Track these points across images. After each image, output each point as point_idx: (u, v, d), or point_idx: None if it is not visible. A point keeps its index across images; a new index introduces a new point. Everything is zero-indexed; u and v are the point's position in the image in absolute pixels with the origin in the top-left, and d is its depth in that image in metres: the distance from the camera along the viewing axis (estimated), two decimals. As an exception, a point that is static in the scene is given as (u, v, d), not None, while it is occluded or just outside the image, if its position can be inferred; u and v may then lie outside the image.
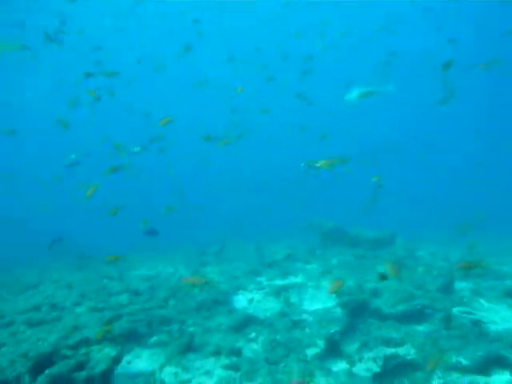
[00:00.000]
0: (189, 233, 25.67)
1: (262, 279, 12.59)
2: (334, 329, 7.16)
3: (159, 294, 9.96)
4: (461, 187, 40.92)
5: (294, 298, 10.18)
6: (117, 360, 5.77)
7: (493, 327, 7.90)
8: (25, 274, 14.74)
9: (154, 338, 7.14)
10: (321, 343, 6.86)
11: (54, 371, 5.03)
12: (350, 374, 6.01)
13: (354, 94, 13.93)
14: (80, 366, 5.29)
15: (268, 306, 9.60)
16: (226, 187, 41.16)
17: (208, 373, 6.21)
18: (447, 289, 10.03)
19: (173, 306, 9.02)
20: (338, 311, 7.92)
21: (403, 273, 11.25)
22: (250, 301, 10.01)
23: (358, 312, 8.02)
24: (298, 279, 12.44)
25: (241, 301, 10.08)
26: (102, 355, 5.76)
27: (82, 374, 5.08)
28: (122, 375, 5.91)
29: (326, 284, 11.67)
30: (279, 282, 11.95)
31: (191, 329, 7.80)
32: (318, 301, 10.22)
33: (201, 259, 15.76)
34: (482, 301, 9.59)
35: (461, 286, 10.88)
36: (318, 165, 6.54)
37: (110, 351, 5.99)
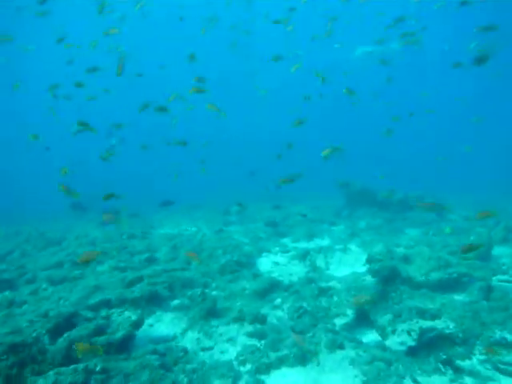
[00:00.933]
0: (212, 193, 25.53)
1: (287, 241, 12.24)
2: (364, 297, 6.74)
3: (182, 254, 9.73)
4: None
5: (320, 262, 9.80)
6: (138, 324, 5.55)
7: (536, 299, 7.36)
8: (51, 229, 14.84)
9: (176, 302, 6.90)
10: (350, 313, 6.48)
11: (74, 335, 4.81)
12: (382, 346, 5.63)
13: (359, 51, 13.14)
14: (100, 331, 5.07)
15: (293, 270, 9.25)
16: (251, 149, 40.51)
17: (231, 340, 5.94)
18: (485, 256, 9.43)
19: (195, 268, 8.77)
20: (368, 278, 7.48)
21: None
22: (275, 264, 9.70)
23: (389, 280, 7.55)
24: (325, 242, 12.03)
25: (265, 264, 9.76)
26: (122, 319, 5.54)
27: (102, 339, 4.85)
28: (143, 338, 5.70)
29: (354, 247, 11.24)
30: (304, 245, 11.58)
31: (214, 292, 7.53)
32: (346, 265, 9.82)
33: (224, 218, 15.48)
34: (523, 269, 9.00)
35: (499, 251, 10.26)
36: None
37: (130, 314, 5.78)
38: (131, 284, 7.17)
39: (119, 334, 5.00)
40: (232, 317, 6.50)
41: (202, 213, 18.28)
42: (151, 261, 9.23)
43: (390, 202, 15.40)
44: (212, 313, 6.54)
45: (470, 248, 8.53)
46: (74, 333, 4.80)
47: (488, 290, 7.29)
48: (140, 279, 7.36)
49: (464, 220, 14.43)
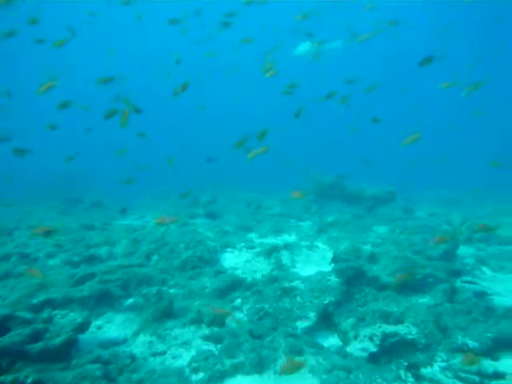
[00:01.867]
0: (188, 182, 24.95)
1: (253, 236, 11.93)
2: (327, 299, 6.51)
3: (142, 249, 9.27)
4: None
5: (285, 259, 9.53)
6: (83, 327, 5.12)
7: (499, 301, 7.30)
8: (6, 216, 14.01)
9: (130, 301, 6.47)
10: (313, 315, 6.22)
11: (5, 342, 4.34)
12: (343, 352, 5.40)
13: (302, 48, 13.16)
14: (37, 336, 4.61)
15: (258, 267, 8.96)
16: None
17: (186, 344, 5.58)
18: (450, 256, 9.40)
19: (155, 264, 8.35)
20: (333, 278, 7.25)
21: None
22: (240, 260, 9.38)
23: (354, 280, 7.36)
24: (292, 238, 11.79)
25: (229, 260, 9.42)
26: (65, 321, 5.09)
27: (37, 346, 4.39)
28: (89, 343, 5.27)
29: (321, 244, 11.05)
30: (271, 240, 11.30)
31: (173, 290, 7.15)
32: (312, 263, 9.60)
33: (191, 210, 15.03)
34: (486, 269, 9.00)
35: (464, 251, 10.27)
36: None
37: (76, 316, 5.33)
38: (81, 281, 6.67)
39: (59, 340, 4.55)
40: (189, 318, 6.14)
41: (170, 203, 17.76)
42: (108, 255, 8.72)
43: (360, 198, 15.32)
44: (168, 313, 6.15)
45: (442, 239, 8.50)
46: (5, 339, 4.32)
47: (452, 292, 7.19)
48: (92, 276, 6.87)
49: (430, 217, 14.53)
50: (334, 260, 8.07)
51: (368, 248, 10.41)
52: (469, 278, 8.48)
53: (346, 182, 15.77)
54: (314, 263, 9.60)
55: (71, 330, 4.77)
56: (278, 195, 19.91)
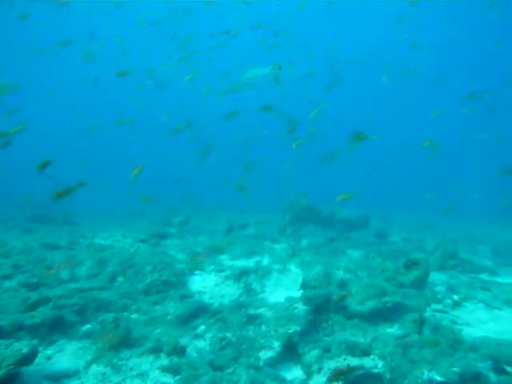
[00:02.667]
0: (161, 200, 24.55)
1: (225, 258, 11.68)
2: (293, 328, 6.31)
3: (107, 270, 8.92)
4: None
5: (255, 284, 9.32)
6: (28, 359, 4.76)
7: (468, 332, 7.23)
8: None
9: (86, 328, 6.13)
10: (277, 345, 6.00)
11: None
12: (306, 387, 5.19)
13: (250, 73, 13.53)
14: (-25, 369, 4.25)
15: (226, 292, 8.71)
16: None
17: (142, 375, 5.27)
18: (421, 283, 9.34)
19: (118, 287, 8.02)
20: (300, 307, 7.06)
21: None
22: (208, 284, 9.11)
23: (322, 308, 7.19)
24: (264, 261, 11.58)
25: (197, 283, 9.14)
26: (9, 352, 4.73)
27: (-26, 382, 4.05)
28: (35, 375, 4.92)
29: (293, 268, 10.88)
30: (242, 263, 11.07)
31: (134, 316, 6.83)
32: (283, 288, 9.40)
33: (162, 230, 14.70)
34: (457, 297, 8.93)
35: (436, 278, 10.24)
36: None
37: (22, 346, 4.97)
38: (34, 306, 6.30)
39: (-3, 374, 4.21)
40: (148, 347, 5.84)
41: (144, 222, 17.37)
42: (70, 277, 8.34)
43: (334, 221, 15.28)
44: (125, 342, 5.84)
45: (412, 264, 8.46)
46: None
47: (421, 323, 7.08)
48: (46, 300, 6.50)
49: (404, 242, 14.55)
50: (303, 286, 7.90)
51: (340, 273, 10.30)
52: (439, 307, 8.42)
53: (321, 205, 15.73)
54: (285, 288, 9.41)
55: (14, 362, 4.42)
56: (256, 216, 19.79)
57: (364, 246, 13.29)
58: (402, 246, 13.24)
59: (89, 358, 5.47)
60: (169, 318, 6.71)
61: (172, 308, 7.07)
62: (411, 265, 8.00)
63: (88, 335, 5.99)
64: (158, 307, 7.29)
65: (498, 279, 10.59)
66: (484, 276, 10.84)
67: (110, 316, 6.13)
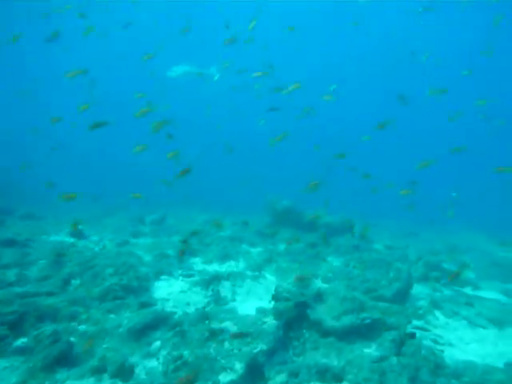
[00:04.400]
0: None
1: (197, 261, 10.97)
2: (259, 347, 5.62)
3: (62, 272, 8.12)
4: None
5: (226, 291, 8.62)
6: None
7: (450, 354, 6.67)
8: None
9: (19, 342, 5.35)
10: (240, 367, 5.30)
11: None
12: (267, 419, 4.51)
13: (176, 71, 13.05)
14: None
15: (193, 299, 7.99)
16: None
17: (78, 401, 4.54)
18: (403, 296, 8.76)
19: (71, 291, 7.24)
20: (270, 321, 6.38)
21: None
22: (173, 290, 8.38)
23: (294, 323, 6.53)
24: (239, 265, 10.93)
25: (162, 289, 8.41)
26: None
27: None
28: None
29: (268, 275, 10.21)
30: (214, 267, 10.39)
31: (82, 327, 6.07)
32: (255, 297, 8.73)
33: (134, 229, 13.90)
34: (439, 313, 8.38)
35: (418, 291, 9.68)
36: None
37: None
38: (-38, 315, 5.51)
39: None
40: (90, 366, 5.09)
41: (118, 218, 16.52)
42: (18, 278, 7.51)
43: (316, 225, 14.65)
44: (63, 359, 5.08)
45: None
46: None
47: (400, 342, 6.46)
48: (-21, 308, 5.71)
49: (387, 250, 13.99)
50: (275, 298, 7.22)
51: (318, 282, 9.69)
52: (420, 324, 7.84)
53: (303, 208, 15.10)
54: (257, 297, 8.74)
55: None
56: (239, 216, 19.09)
57: (346, 252, 12.70)
58: (385, 254, 12.66)
59: (16, 379, 4.68)
60: (121, 330, 5.95)
61: (127, 318, 6.32)
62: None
63: (21, 351, 5.19)
64: (111, 316, 6.54)
65: (482, 293, 10.08)
66: (467, 290, 10.33)
67: (48, 329, 5.35)
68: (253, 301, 8.45)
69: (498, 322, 8.01)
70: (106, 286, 7.31)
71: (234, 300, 8.34)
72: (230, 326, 6.27)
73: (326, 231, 14.55)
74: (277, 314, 6.53)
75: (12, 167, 20.24)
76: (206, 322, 6.60)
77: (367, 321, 6.85)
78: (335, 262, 11.83)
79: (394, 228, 20.47)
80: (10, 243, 9.46)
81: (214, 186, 28.48)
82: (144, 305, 7.13)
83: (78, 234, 11.71)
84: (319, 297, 7.97)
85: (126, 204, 20.16)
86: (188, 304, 7.76)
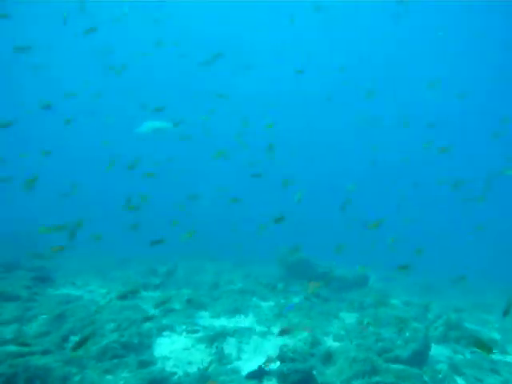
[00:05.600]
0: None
1: (205, 314, 10.61)
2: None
3: (63, 328, 7.90)
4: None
5: (231, 349, 8.21)
6: None
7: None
8: None
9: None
10: None
11: None
12: None
13: (145, 127, 13.41)
14: None
15: (195, 358, 7.61)
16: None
17: None
18: (420, 358, 8.17)
19: (67, 350, 6.97)
20: (273, 385, 5.98)
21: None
22: (176, 347, 8.03)
23: (300, 387, 6.09)
24: (248, 320, 10.51)
25: (164, 346, 8.05)
26: None
27: None
28: None
29: (277, 331, 9.74)
30: (223, 322, 9.99)
31: (75, 389, 5.77)
32: (262, 354, 8.25)
33: (144, 281, 13.68)
34: (460, 381, 7.73)
35: (438, 352, 9.06)
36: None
37: None
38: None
39: None
40: None
41: (126, 271, 16.33)
42: (17, 335, 7.30)
43: (329, 279, 14.19)
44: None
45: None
46: None
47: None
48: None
49: (405, 306, 13.33)
50: (280, 358, 6.81)
51: (327, 342, 9.19)
52: (439, 391, 7.24)
53: (315, 260, 14.72)
54: (265, 355, 8.24)
55: None
56: (249, 267, 18.77)
57: (360, 308, 12.15)
58: (402, 310, 12.03)
59: None
60: (114, 393, 5.64)
61: (123, 380, 6.01)
62: None
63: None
64: (108, 377, 6.24)
65: (508, 358, 9.35)
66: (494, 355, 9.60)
67: (35, 391, 5.08)
68: (260, 359, 7.98)
69: (526, 390, 7.35)
70: (103, 343, 7.03)
71: (239, 359, 7.91)
72: None
73: (340, 284, 14.08)
74: (281, 376, 6.12)
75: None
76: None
77: (380, 386, 6.37)
78: (348, 317, 11.28)
79: (412, 282, 19.68)
80: (14, 297, 9.34)
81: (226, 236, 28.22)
82: (143, 364, 6.82)
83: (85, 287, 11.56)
84: (329, 357, 7.53)
85: (139, 255, 20.08)
86: (190, 363, 7.38)
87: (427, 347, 8.35)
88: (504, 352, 9.78)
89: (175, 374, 6.79)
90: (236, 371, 7.13)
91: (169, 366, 7.09)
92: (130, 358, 6.88)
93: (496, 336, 11.28)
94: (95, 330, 7.65)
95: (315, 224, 34.46)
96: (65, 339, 7.36)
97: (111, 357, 6.83)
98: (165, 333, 8.61)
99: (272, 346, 8.77)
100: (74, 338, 7.53)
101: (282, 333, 8.04)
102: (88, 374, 6.19)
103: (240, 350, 8.26)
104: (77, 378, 5.96)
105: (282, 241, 18.19)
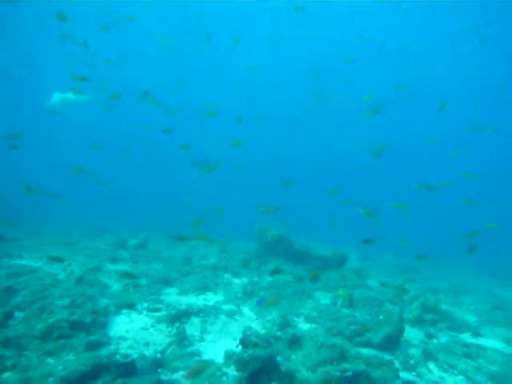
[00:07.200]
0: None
1: (172, 291, 10.07)
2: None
3: (10, 303, 7.25)
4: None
5: (194, 329, 7.69)
6: None
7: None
8: None
9: None
10: (182, 434, 4.36)
11: None
12: None
13: (55, 100, 12.56)
14: None
15: (154, 339, 7.04)
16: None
17: None
18: (393, 342, 7.77)
19: (9, 328, 6.33)
20: (231, 373, 5.45)
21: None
22: (134, 327, 7.45)
23: (261, 375, 5.58)
24: (217, 298, 9.99)
25: (121, 325, 7.45)
26: None
27: None
28: None
29: (247, 311, 9.27)
30: (190, 300, 9.45)
31: (7, 375, 5.14)
32: (228, 336, 7.75)
33: (113, 253, 13.03)
34: (433, 365, 7.35)
35: (411, 336, 8.68)
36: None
37: None
38: None
39: None
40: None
41: (100, 241, 15.66)
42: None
43: (307, 257, 13.74)
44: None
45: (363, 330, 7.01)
46: None
47: (385, 405, 5.51)
48: None
49: (382, 287, 12.97)
50: (243, 342, 6.28)
51: (300, 322, 8.75)
52: (411, 378, 6.83)
53: (295, 237, 14.21)
54: (231, 337, 7.76)
55: None
56: (228, 243, 18.19)
57: (336, 288, 11.73)
58: (378, 292, 11.68)
59: None
60: (51, 380, 5.03)
61: (63, 364, 5.39)
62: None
63: None
64: (49, 361, 5.63)
65: (482, 341, 9.04)
66: (466, 336, 9.29)
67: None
68: (224, 341, 7.50)
69: (500, 378, 6.99)
70: (50, 321, 6.40)
71: (201, 340, 7.39)
72: (183, 379, 5.34)
73: (318, 263, 13.64)
74: (240, 363, 5.58)
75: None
76: (159, 369, 5.69)
77: (348, 373, 5.88)
78: (323, 298, 10.87)
79: (393, 262, 19.45)
80: (-38, 267, 8.63)
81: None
82: (93, 345, 6.21)
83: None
84: (296, 341, 7.05)
85: (114, 227, 19.44)
86: (147, 344, 6.82)
87: (401, 331, 7.94)
88: (477, 335, 9.49)
89: (129, 356, 6.22)
90: (196, 355, 6.60)
91: (123, 348, 6.51)
92: (79, 339, 6.27)
93: (471, 318, 11.02)
94: (44, 306, 6.99)
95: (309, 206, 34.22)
96: (8, 317, 6.69)
97: (57, 337, 6.20)
98: (124, 311, 8.01)
99: (240, 326, 8.27)
100: (20, 315, 6.90)
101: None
102: (25, 357, 5.57)
103: (204, 331, 7.74)
104: (10, 362, 5.32)
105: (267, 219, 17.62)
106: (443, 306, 10.97)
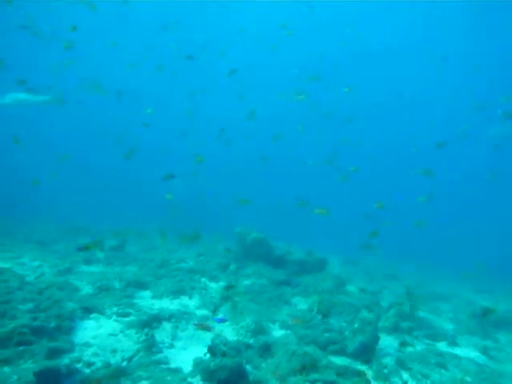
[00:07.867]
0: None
1: (146, 295, 9.82)
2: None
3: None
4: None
5: (165, 335, 7.48)
6: None
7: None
8: None
9: None
10: None
11: None
12: None
13: (8, 99, 12.42)
14: None
15: (122, 345, 6.82)
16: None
17: None
18: (368, 351, 7.63)
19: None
20: (196, 383, 5.26)
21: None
22: (102, 332, 7.19)
23: (228, 385, 5.40)
24: (192, 303, 9.77)
25: (88, 330, 7.19)
26: None
27: None
28: None
29: (222, 316, 9.05)
30: (164, 304, 9.22)
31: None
32: (199, 342, 7.54)
33: (88, 254, 12.69)
34: (406, 376, 7.25)
35: (386, 344, 8.58)
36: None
37: None
38: None
39: None
40: None
41: (75, 241, 15.25)
42: None
43: (286, 262, 13.57)
44: None
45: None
46: None
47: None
48: None
49: (361, 293, 12.89)
50: (211, 350, 6.09)
51: (275, 329, 8.60)
52: (383, 388, 6.73)
53: (274, 242, 14.05)
54: (203, 343, 7.53)
55: None
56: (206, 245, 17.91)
57: (314, 294, 11.59)
58: (357, 298, 11.56)
59: None
60: (3, 390, 4.78)
61: (18, 373, 5.14)
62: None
63: None
64: (5, 369, 5.36)
65: (458, 350, 9.00)
66: (442, 345, 9.24)
67: None
68: (195, 348, 7.29)
69: (472, 389, 6.94)
70: (10, 327, 6.12)
71: (171, 347, 7.18)
72: (145, 388, 5.13)
73: (297, 268, 13.49)
74: (207, 373, 5.40)
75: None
76: (121, 378, 5.46)
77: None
78: (301, 303, 10.72)
79: (376, 267, 19.41)
80: None
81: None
82: (54, 352, 5.96)
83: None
84: (267, 349, 6.89)
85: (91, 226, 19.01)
86: (114, 351, 6.59)
87: (376, 340, 7.83)
88: (453, 344, 9.45)
89: (93, 364, 6.00)
90: (164, 362, 6.39)
91: (87, 355, 6.27)
92: (40, 346, 6.00)
93: (448, 326, 11.00)
94: (6, 311, 6.70)
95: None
96: (-35, 321, 6.39)
97: (16, 343, 5.93)
98: (92, 315, 7.73)
99: (212, 333, 8.06)
100: (-20, 321, 6.59)
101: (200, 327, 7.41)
102: (-20, 364, 5.30)
103: (174, 338, 7.53)
104: (-38, 370, 5.04)
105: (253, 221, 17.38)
106: (421, 313, 10.90)
